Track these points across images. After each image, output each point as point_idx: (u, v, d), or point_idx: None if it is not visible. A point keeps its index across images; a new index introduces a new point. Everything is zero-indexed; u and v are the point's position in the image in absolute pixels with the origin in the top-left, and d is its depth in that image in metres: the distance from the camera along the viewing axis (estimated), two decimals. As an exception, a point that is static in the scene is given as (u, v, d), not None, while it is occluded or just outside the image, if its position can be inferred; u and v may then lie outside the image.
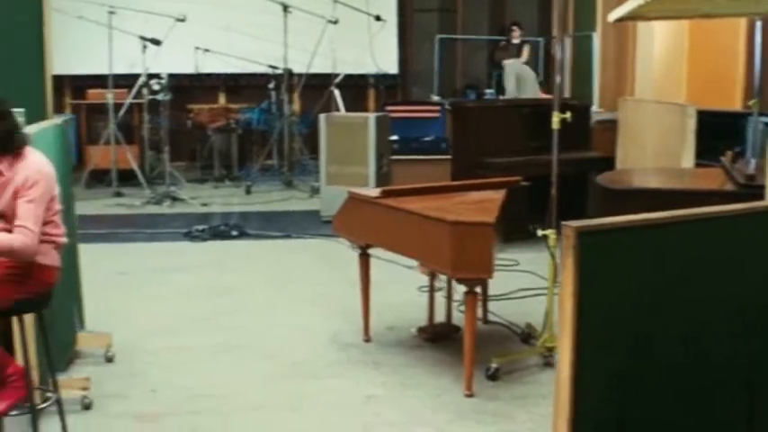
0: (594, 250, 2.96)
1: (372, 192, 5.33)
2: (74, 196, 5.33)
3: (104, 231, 8.73)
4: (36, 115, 4.91)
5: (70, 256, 5.16)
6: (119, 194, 10.63)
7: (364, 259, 5.39)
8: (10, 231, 3.55)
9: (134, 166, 10.76)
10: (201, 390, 4.76)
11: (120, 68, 10.65)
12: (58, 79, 11.93)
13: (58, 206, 3.74)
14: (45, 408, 4.16)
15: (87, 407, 4.51)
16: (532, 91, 10.93)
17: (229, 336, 5.61)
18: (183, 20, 10.22)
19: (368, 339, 5.46)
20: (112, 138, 10.63)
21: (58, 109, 11.86)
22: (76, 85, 11.98)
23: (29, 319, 3.91)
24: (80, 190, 10.77)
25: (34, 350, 4.17)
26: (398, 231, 4.93)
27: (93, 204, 10.19)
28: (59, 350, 4.81)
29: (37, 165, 3.62)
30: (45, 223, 3.63)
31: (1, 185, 3.59)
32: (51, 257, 3.71)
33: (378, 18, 11.13)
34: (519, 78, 10.57)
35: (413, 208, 4.83)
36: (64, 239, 3.80)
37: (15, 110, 4.26)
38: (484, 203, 5.02)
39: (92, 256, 7.49)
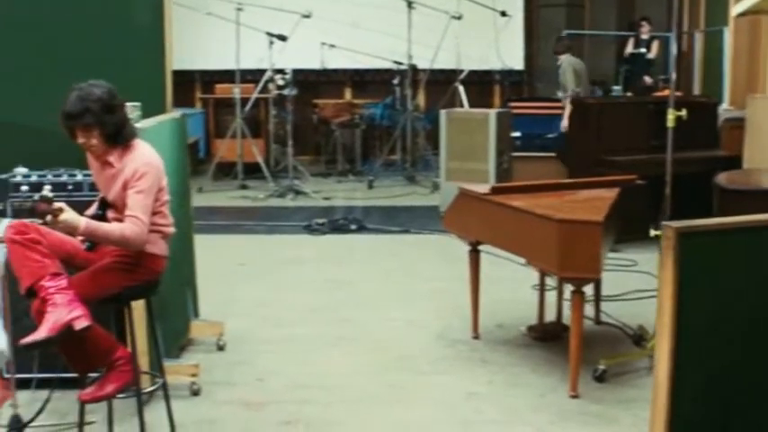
0: (695, 251, 2.88)
1: (482, 188, 5.29)
2: (190, 188, 5.48)
3: (227, 223, 8.96)
4: (155, 109, 5.07)
5: (186, 246, 5.32)
6: (244, 187, 10.87)
7: (474, 255, 5.37)
8: (120, 221, 3.67)
9: (259, 159, 10.97)
10: (307, 380, 4.83)
11: (247, 64, 10.87)
12: (189, 74, 12.35)
13: (166, 197, 3.84)
14: (151, 392, 4.30)
15: (196, 393, 4.63)
16: (586, 86, 10.65)
17: (339, 328, 5.68)
18: (308, 16, 10.36)
19: (476, 336, 5.43)
20: (239, 131, 10.87)
21: (189, 103, 12.24)
22: (206, 80, 12.31)
23: (138, 305, 4.04)
24: (207, 182, 11.10)
25: (145, 336, 4.31)
26: (506, 228, 4.89)
27: (218, 196, 10.47)
28: (172, 337, 4.97)
29: (145, 157, 3.72)
30: (153, 214, 3.74)
31: (111, 177, 3.72)
32: (159, 247, 3.82)
33: (503, 14, 11.04)
34: (577, 73, 10.31)
35: (521, 205, 4.78)
36: (171, 230, 3.90)
37: (131, 104, 4.43)
38: (594, 202, 4.93)
39: (214, 247, 7.74)
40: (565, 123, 9.57)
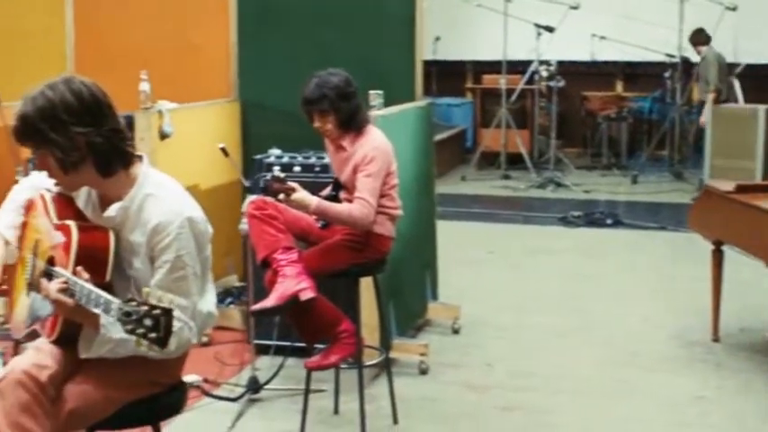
0: None
1: (726, 185, 5.10)
2: (434, 175, 5.63)
3: (486, 211, 9.12)
4: (405, 97, 5.29)
5: (428, 230, 5.51)
6: (506, 177, 10.97)
7: (717, 255, 5.19)
8: (350, 202, 3.90)
9: (522, 150, 11.02)
10: (533, 368, 4.89)
11: (515, 55, 10.95)
12: (460, 65, 12.60)
13: (395, 181, 4.02)
14: (374, 365, 4.52)
15: (423, 372, 4.81)
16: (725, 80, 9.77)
17: (575, 319, 5.68)
18: (576, 7, 10.29)
19: (716, 339, 5.25)
20: (503, 122, 10.98)
21: (459, 93, 12.49)
22: (476, 70, 12.50)
23: (365, 282, 4.25)
24: (471, 171, 11.32)
25: (376, 311, 4.53)
26: (749, 230, 4.71)
27: (481, 185, 10.65)
28: (407, 317, 5.17)
29: (375, 142, 3.92)
30: (381, 196, 3.93)
31: (344, 160, 3.95)
32: (386, 228, 4.01)
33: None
34: (720, 67, 9.47)
35: (765, 205, 4.58)
36: (399, 212, 4.08)
37: (374, 92, 4.66)
38: None
39: (467, 234, 7.94)
40: (703, 119, 9.21)
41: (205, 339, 5.22)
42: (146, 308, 2.11)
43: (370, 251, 3.96)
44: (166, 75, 5.85)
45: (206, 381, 4.68)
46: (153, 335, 2.10)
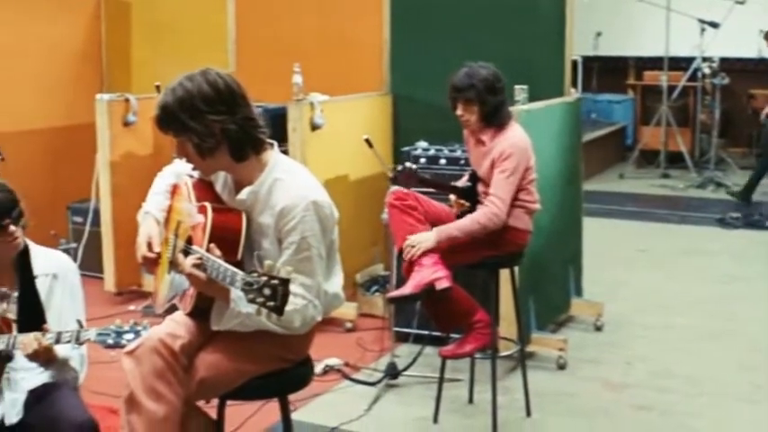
0: None
1: None
2: (581, 170, 5.61)
3: (641, 210, 8.98)
4: (554, 93, 5.31)
5: (572, 225, 5.51)
6: (665, 176, 10.73)
7: None
8: (486, 195, 3.96)
9: (683, 148, 10.75)
10: (673, 368, 4.83)
11: (678, 51, 10.69)
12: (622, 61, 12.38)
13: (533, 175, 4.05)
14: (509, 357, 4.58)
15: (561, 367, 4.82)
16: None
17: (720, 322, 5.57)
18: (742, 2, 9.97)
19: None
20: (664, 119, 10.75)
21: (620, 89, 12.29)
22: (639, 66, 12.25)
23: (504, 275, 4.31)
24: (629, 168, 11.15)
25: (512, 303, 4.57)
26: None
27: (639, 183, 10.48)
28: (548, 311, 5.19)
29: (514, 139, 3.97)
30: (519, 190, 3.98)
31: (483, 154, 4.01)
32: (523, 221, 4.05)
33: None
34: None
35: None
36: (537, 206, 4.10)
37: (519, 86, 4.71)
38: None
39: (619, 232, 7.90)
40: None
41: (349, 326, 5.42)
42: (265, 278, 2.28)
43: (507, 244, 4.02)
44: (322, 68, 6.07)
45: (347, 365, 4.85)
46: (271, 303, 2.27)
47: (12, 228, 3.08)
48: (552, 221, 5.00)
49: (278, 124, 5.47)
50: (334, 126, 5.33)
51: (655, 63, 11.36)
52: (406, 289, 3.87)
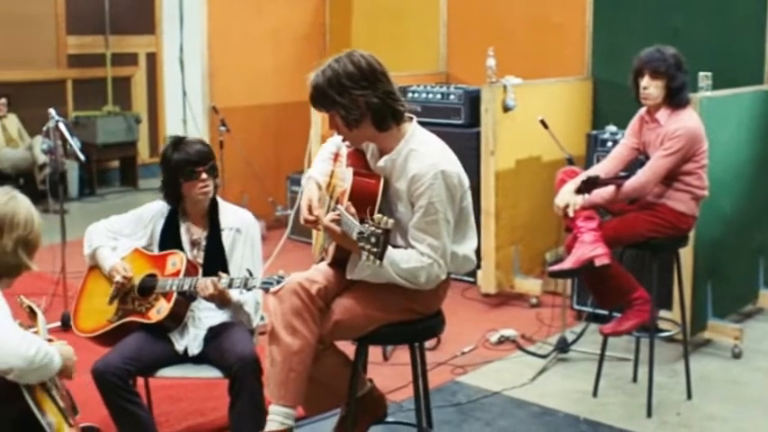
0: None
1: None
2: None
3: None
4: (753, 81, 5.28)
5: (761, 215, 5.38)
6: None
7: None
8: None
9: None
10: None
11: None
12: None
13: (704, 161, 4.06)
14: (672, 339, 4.64)
15: (736, 356, 4.81)
16: None
17: None
18: None
19: None
20: None
21: None
22: None
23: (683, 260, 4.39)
24: None
25: (690, 286, 4.62)
26: None
27: None
28: (731, 300, 5.17)
29: (686, 121, 4.02)
30: (687, 174, 4.04)
31: (656, 134, 4.08)
32: (688, 206, 4.09)
33: None
34: None
35: None
36: (704, 192, 4.12)
37: (704, 73, 4.73)
38: None
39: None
40: None
41: (534, 301, 5.63)
42: (372, 228, 2.66)
43: (670, 227, 4.08)
44: (527, 51, 6.28)
45: (523, 337, 5.06)
46: (374, 249, 2.65)
47: (204, 176, 3.53)
48: (738, 209, 4.98)
49: (475, 106, 5.75)
50: (528, 109, 5.51)
51: None
52: (567, 264, 4.04)
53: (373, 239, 2.64)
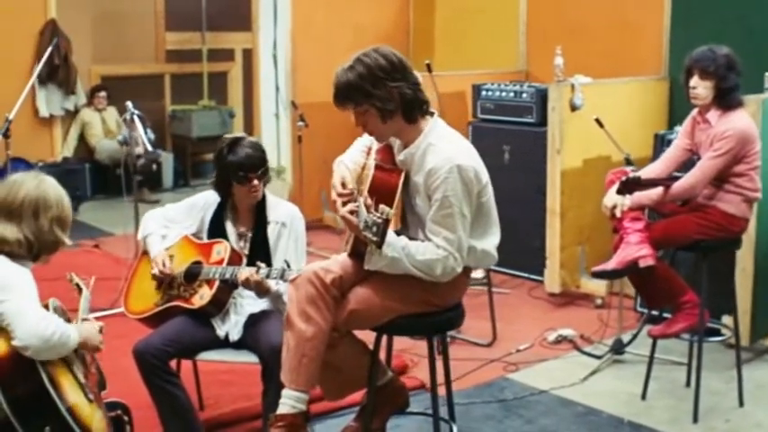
0: None
1: None
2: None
3: None
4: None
5: None
6: None
7: None
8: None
9: None
10: None
11: None
12: None
13: (757, 162, 3.99)
14: (724, 343, 4.55)
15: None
16: None
17: None
18: None
19: None
20: None
21: None
22: None
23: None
24: None
25: (750, 291, 4.51)
26: None
27: None
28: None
29: (737, 123, 3.95)
30: (738, 176, 3.97)
31: (706, 135, 4.03)
32: (739, 209, 4.02)
33: None
34: None
35: None
36: (758, 195, 4.04)
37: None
38: None
39: None
40: None
41: (599, 302, 5.60)
42: (374, 218, 2.77)
43: (719, 229, 4.02)
44: (603, 49, 6.23)
45: (581, 336, 5.04)
46: (374, 238, 2.78)
47: (255, 182, 3.64)
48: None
49: (547, 105, 5.74)
50: (597, 108, 5.44)
51: None
52: (611, 264, 4.03)
53: (374, 228, 2.74)
